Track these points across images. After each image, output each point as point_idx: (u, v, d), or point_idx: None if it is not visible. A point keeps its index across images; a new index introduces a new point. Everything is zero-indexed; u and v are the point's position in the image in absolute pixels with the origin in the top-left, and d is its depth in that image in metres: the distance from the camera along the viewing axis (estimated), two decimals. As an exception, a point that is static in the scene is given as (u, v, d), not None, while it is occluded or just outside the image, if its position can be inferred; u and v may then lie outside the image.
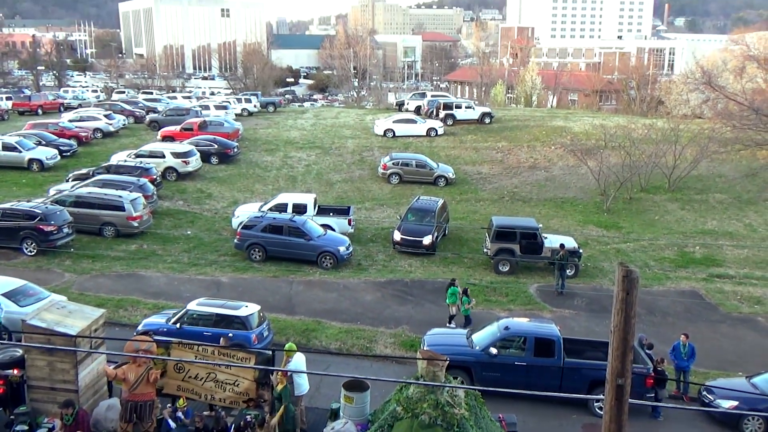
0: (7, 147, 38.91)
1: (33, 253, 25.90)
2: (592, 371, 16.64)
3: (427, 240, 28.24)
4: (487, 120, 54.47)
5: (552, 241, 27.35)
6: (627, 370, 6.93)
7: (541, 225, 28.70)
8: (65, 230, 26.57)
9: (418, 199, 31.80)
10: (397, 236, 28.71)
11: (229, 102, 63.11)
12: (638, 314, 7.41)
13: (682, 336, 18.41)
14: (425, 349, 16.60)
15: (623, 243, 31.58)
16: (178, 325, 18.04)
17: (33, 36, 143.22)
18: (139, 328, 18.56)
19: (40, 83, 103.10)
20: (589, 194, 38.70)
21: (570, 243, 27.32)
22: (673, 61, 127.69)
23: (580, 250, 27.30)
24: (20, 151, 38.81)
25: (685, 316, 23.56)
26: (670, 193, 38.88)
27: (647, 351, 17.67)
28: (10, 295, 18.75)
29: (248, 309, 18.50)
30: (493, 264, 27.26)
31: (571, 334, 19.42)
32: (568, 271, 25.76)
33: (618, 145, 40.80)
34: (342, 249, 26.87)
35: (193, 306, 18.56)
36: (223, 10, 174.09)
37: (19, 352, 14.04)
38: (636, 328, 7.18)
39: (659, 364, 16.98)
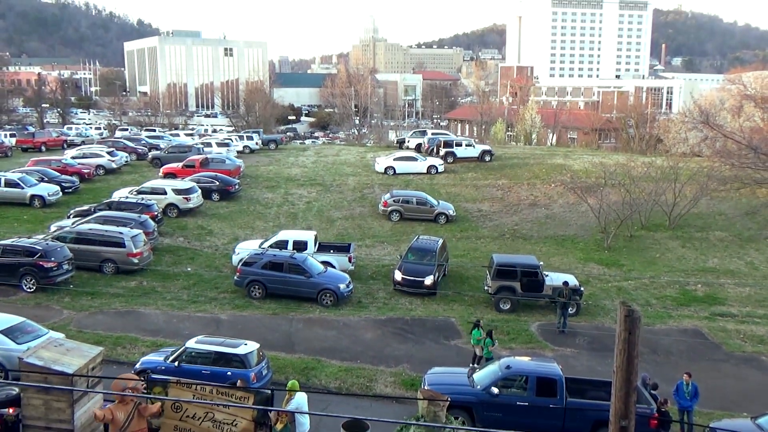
0: (10, 183, 39.11)
1: (32, 290, 25.81)
2: (596, 412, 16.39)
3: (428, 280, 27.93)
4: (488, 158, 54.79)
5: (553, 278, 27.26)
6: (630, 411, 6.85)
7: (542, 263, 28.64)
8: (65, 267, 26.52)
9: (418, 238, 31.62)
10: (398, 276, 28.37)
11: (231, 139, 63.61)
12: (641, 353, 7.33)
13: (685, 375, 18.20)
14: (426, 388, 16.41)
15: (625, 281, 31.46)
16: (176, 364, 17.87)
17: (39, 74, 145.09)
18: (137, 366, 18.37)
19: (45, 120, 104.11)
20: (590, 232, 38.71)
21: (571, 281, 27.20)
22: (671, 99, 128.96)
23: (582, 288, 27.19)
24: (22, 188, 38.99)
25: (688, 355, 23.33)
26: (671, 231, 38.88)
27: (651, 391, 17.45)
28: (8, 332, 18.63)
29: (247, 347, 18.34)
30: (494, 302, 27.12)
31: (574, 374, 19.20)
32: (569, 309, 25.62)
33: (618, 182, 40.95)
34: (342, 286, 26.77)
35: (191, 344, 18.40)
36: (226, 49, 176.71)
37: (16, 390, 13.87)
38: (639, 368, 7.11)
39: (663, 405, 16.74)
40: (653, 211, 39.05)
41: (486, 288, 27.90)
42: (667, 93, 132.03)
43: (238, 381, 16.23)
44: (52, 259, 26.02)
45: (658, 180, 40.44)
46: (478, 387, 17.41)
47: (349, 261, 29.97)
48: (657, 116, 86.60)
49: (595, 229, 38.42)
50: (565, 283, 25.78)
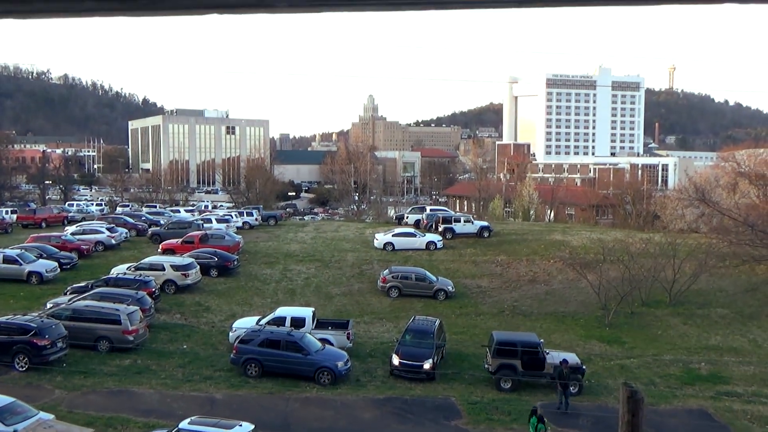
0: (8, 259, 39.10)
1: (24, 369, 25.35)
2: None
3: (427, 364, 26.86)
4: (486, 234, 55.00)
5: (554, 356, 26.83)
6: (636, 498, 6.63)
7: (542, 340, 28.27)
8: (59, 345, 26.15)
9: (415, 319, 30.61)
10: (396, 360, 27.15)
11: (231, 215, 64.04)
12: (644, 438, 7.16)
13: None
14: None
15: (627, 359, 30.99)
16: (168, 446, 17.36)
17: (43, 151, 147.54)
18: (128, 448, 17.86)
19: (47, 197, 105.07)
20: (590, 308, 38.40)
21: (573, 359, 26.79)
22: (666, 176, 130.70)
23: (584, 367, 26.72)
24: (20, 264, 38.94)
25: (695, 437, 22.71)
26: (672, 308, 38.58)
27: None
28: (-3, 413, 18.18)
29: (242, 428, 17.90)
30: (495, 380, 26.60)
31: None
32: (571, 388, 25.11)
33: (617, 258, 40.95)
34: (340, 364, 26.32)
35: (185, 425, 17.96)
36: (228, 127, 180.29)
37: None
38: (643, 453, 6.92)
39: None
40: (653, 288, 38.86)
41: (486, 366, 27.42)
42: (662, 170, 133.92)
43: None
44: (47, 336, 25.68)
45: (656, 256, 40.46)
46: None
47: (348, 338, 29.59)
48: (653, 193, 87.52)
49: (596, 306, 38.12)
50: (564, 362, 25.34)
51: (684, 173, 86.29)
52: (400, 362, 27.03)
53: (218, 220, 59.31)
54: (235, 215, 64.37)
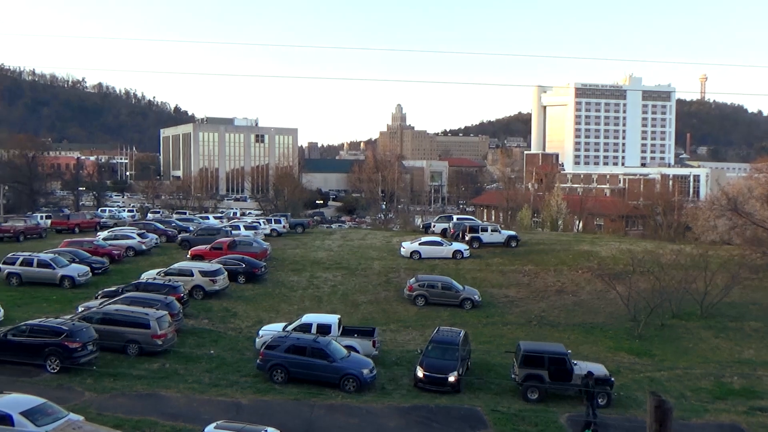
0: (42, 264, 39.90)
1: (56, 371, 25.79)
2: None
3: (452, 377, 26.16)
4: (513, 243, 54.64)
5: (582, 367, 26.48)
6: None
7: (570, 351, 27.92)
8: (90, 347, 26.57)
9: (439, 330, 30.00)
10: (420, 373, 26.47)
11: (259, 222, 64.59)
12: (673, 448, 7.04)
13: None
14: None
15: (657, 372, 30.44)
16: (194, 449, 17.52)
17: (77, 158, 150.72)
18: (155, 451, 18.06)
19: (80, 203, 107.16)
20: (619, 320, 37.85)
21: (601, 370, 26.42)
22: (698, 187, 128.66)
23: (612, 378, 26.33)
24: (54, 268, 39.71)
25: (727, 453, 22.21)
26: (703, 320, 37.85)
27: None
28: (29, 414, 18.53)
29: (267, 434, 17.96)
30: (521, 391, 26.34)
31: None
32: (600, 400, 24.76)
33: (647, 270, 40.36)
34: (366, 372, 26.30)
35: (210, 429, 18.12)
36: (257, 136, 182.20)
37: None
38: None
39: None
40: (684, 300, 38.16)
41: (513, 376, 27.17)
42: (694, 181, 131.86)
43: None
44: (78, 339, 26.11)
45: (688, 268, 39.80)
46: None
47: (373, 345, 29.56)
48: (684, 204, 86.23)
49: (625, 318, 37.56)
50: (590, 374, 24.97)
51: (716, 184, 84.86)
52: (424, 374, 26.38)
53: (246, 227, 59.87)
54: (263, 222, 64.91)
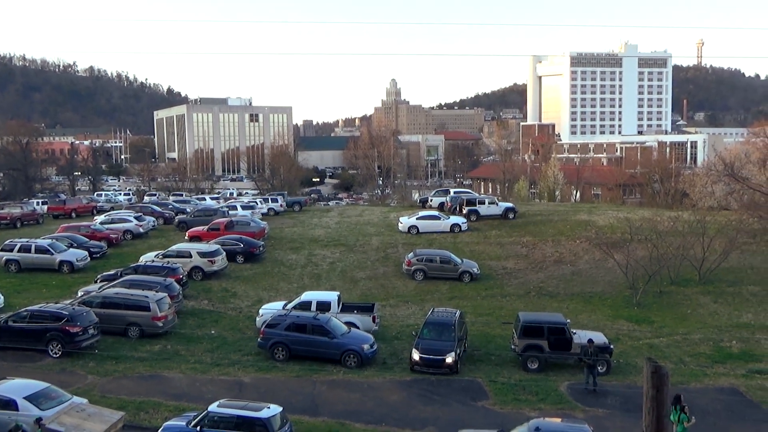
0: (40, 249, 39.85)
1: (58, 355, 25.90)
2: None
3: (449, 358, 25.51)
4: (511, 215, 54.64)
5: (581, 336, 26.64)
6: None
7: (569, 320, 28.07)
8: (91, 331, 26.66)
9: (433, 311, 29.23)
10: (416, 356, 25.80)
11: (256, 202, 64.47)
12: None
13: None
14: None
15: (656, 338, 30.66)
16: (198, 428, 17.68)
17: (71, 143, 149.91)
18: (160, 431, 18.22)
19: (76, 188, 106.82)
20: (618, 288, 38.02)
21: (600, 338, 26.59)
22: (695, 154, 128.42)
23: (611, 346, 26.52)
24: (52, 254, 39.67)
25: (725, 415, 22.45)
26: (701, 286, 38.02)
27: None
28: (33, 398, 18.64)
29: (270, 410, 18.12)
30: (521, 361, 26.53)
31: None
32: (599, 368, 24.96)
33: (644, 237, 40.42)
34: (366, 347, 26.45)
35: (214, 408, 18.24)
36: (252, 115, 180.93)
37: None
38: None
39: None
40: (682, 266, 38.31)
41: (513, 347, 27.34)
42: (691, 147, 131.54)
43: None
44: (78, 324, 26.19)
45: (685, 234, 39.85)
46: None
47: (373, 321, 29.69)
48: (681, 171, 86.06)
49: (623, 286, 37.72)
50: (590, 341, 25.14)
51: (713, 150, 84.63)
52: (420, 357, 25.74)
53: (243, 207, 59.79)
54: (260, 202, 64.82)
